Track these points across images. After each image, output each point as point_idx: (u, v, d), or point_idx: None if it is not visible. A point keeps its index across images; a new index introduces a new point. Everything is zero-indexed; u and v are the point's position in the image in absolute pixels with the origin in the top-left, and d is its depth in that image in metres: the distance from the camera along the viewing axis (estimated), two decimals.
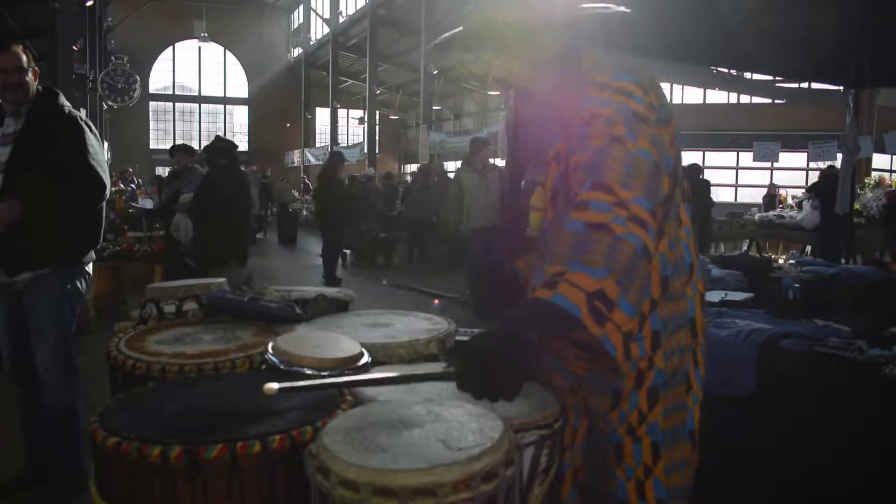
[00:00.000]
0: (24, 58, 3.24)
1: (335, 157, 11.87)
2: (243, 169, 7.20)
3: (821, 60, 5.39)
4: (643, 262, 1.35)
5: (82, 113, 3.59)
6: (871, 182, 12.68)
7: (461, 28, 1.87)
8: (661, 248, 1.63)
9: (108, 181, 3.37)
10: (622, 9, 1.74)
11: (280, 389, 1.28)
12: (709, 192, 11.36)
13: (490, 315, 2.09)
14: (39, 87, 3.36)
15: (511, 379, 1.24)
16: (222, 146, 6.93)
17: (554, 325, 1.29)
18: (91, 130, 3.37)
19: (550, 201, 1.74)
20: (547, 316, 1.27)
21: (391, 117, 33.71)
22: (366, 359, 1.96)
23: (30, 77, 3.26)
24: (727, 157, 23.02)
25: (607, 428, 1.70)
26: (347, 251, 13.09)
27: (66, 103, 3.40)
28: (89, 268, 3.50)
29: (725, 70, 7.10)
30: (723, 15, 4.41)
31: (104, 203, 3.46)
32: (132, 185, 18.49)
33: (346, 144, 30.24)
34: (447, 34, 1.96)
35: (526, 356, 1.24)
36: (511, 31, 1.71)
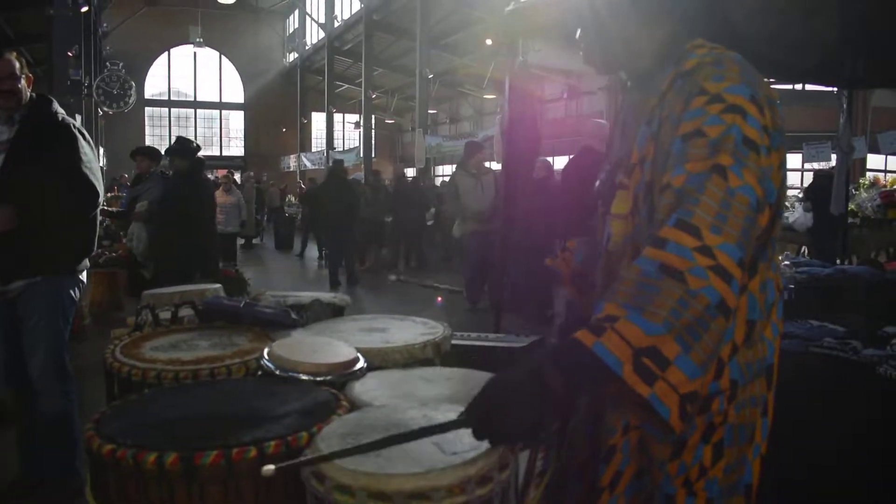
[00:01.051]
0: (17, 64, 3.24)
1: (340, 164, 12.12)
2: (212, 176, 6.78)
3: (815, 62, 5.40)
4: (718, 317, 1.19)
5: (77, 119, 3.61)
6: (866, 182, 12.72)
7: None
8: (751, 287, 1.46)
9: (101, 189, 3.36)
10: None
11: (277, 469, 1.23)
12: None
13: (523, 314, 2.01)
14: (33, 94, 3.36)
15: (517, 422, 1.18)
16: (181, 147, 6.38)
17: (589, 376, 1.19)
18: (84, 138, 3.37)
19: (631, 211, 1.53)
20: (582, 365, 1.17)
21: (387, 121, 33.74)
22: (361, 364, 1.96)
23: (23, 84, 3.26)
24: None
25: (661, 477, 1.52)
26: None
27: (60, 110, 3.40)
28: (83, 276, 3.50)
29: None
30: (717, 16, 4.42)
31: (97, 211, 3.45)
32: (126, 191, 18.44)
33: (342, 149, 30.29)
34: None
35: (547, 404, 1.18)
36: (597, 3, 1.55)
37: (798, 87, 11.44)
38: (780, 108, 1.41)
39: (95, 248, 3.59)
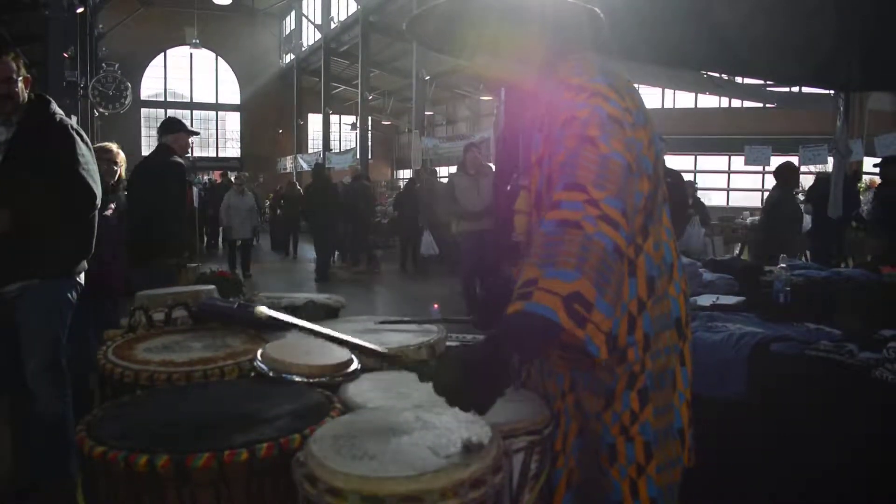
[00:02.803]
0: (14, 67, 3.22)
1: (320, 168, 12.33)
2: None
3: (812, 64, 5.41)
4: (616, 262, 1.35)
5: (73, 121, 3.58)
6: (863, 186, 12.75)
7: (439, 2, 1.79)
8: (646, 248, 1.66)
9: (97, 191, 3.34)
10: (594, 9, 1.72)
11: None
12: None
13: (489, 326, 2.08)
14: (32, 95, 3.35)
15: (485, 394, 1.29)
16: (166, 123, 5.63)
17: (535, 335, 1.31)
18: (83, 139, 3.35)
19: (535, 205, 1.74)
20: (527, 327, 1.29)
21: (384, 123, 33.72)
22: (355, 365, 1.95)
23: (20, 86, 3.24)
24: (719, 161, 23.11)
25: (600, 428, 1.70)
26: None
27: (58, 111, 3.38)
28: (81, 277, 3.47)
29: (717, 74, 7.12)
30: (715, 20, 4.42)
31: (95, 213, 3.43)
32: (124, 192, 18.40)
33: (338, 150, 30.24)
34: (424, 8, 1.89)
35: (504, 374, 1.30)
36: (491, 16, 1.70)
37: (795, 89, 11.45)
38: (636, 93, 1.65)
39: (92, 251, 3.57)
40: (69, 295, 3.38)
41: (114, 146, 4.87)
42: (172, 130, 5.47)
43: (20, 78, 3.24)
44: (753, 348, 2.94)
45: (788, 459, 2.72)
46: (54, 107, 3.38)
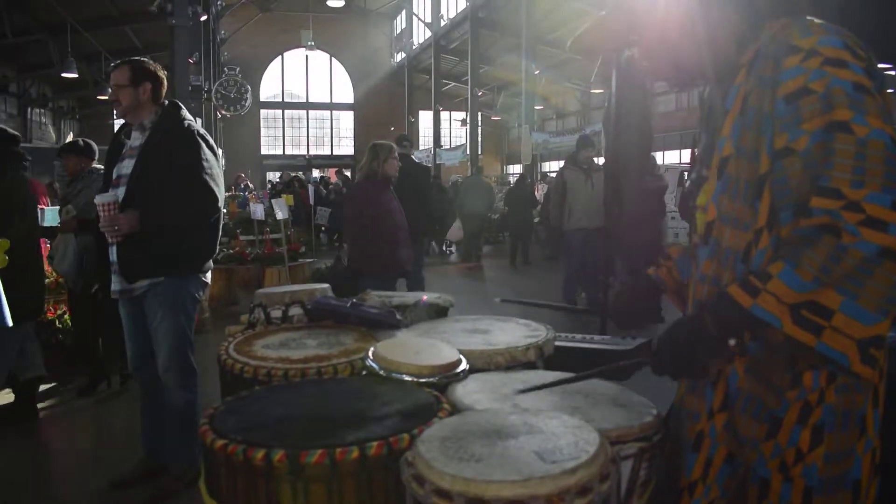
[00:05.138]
0: (128, 75, 3.42)
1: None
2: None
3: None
4: (884, 262, 1.20)
5: (199, 123, 3.76)
6: None
7: (602, 15, 1.75)
8: None
9: (221, 195, 3.48)
10: None
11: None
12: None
13: (631, 325, 2.02)
14: (165, 101, 3.53)
15: (694, 366, 1.40)
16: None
17: (752, 329, 1.33)
18: (208, 143, 3.50)
19: (717, 169, 1.50)
20: (744, 321, 1.30)
21: (493, 118, 33.75)
22: (464, 366, 1.97)
23: (135, 93, 3.41)
24: None
25: (755, 458, 1.45)
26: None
27: (188, 117, 3.54)
28: (207, 276, 3.64)
29: None
30: None
31: (219, 215, 3.57)
32: (244, 192, 19.22)
33: (448, 146, 30.51)
34: (589, 25, 1.86)
35: (710, 351, 1.37)
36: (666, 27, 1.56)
37: None
38: (869, 48, 1.38)
39: (217, 251, 3.74)
40: (194, 292, 3.55)
41: None
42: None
43: (133, 86, 3.41)
44: None
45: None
46: (185, 112, 3.54)
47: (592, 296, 8.43)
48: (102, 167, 3.89)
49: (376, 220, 5.17)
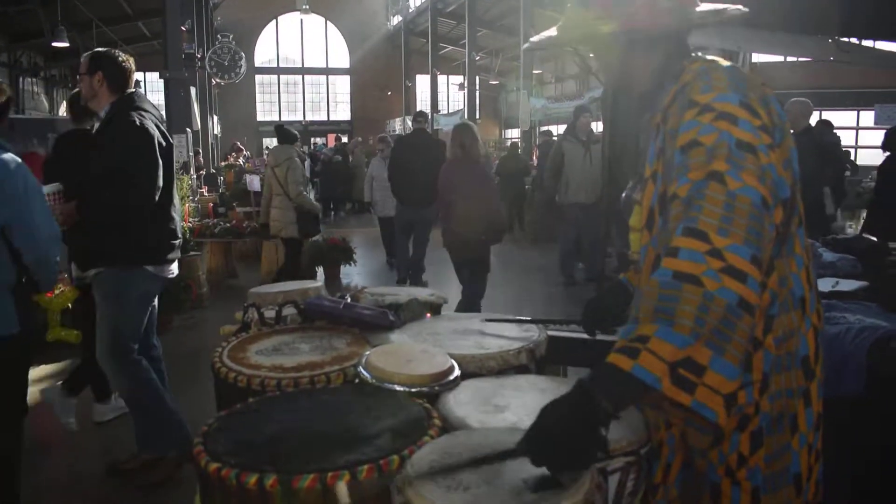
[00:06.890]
0: (87, 63, 3.47)
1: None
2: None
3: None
4: (743, 316, 1.22)
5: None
6: None
7: (554, 30, 1.81)
8: (770, 284, 1.52)
9: (150, 190, 3.39)
10: (740, 8, 1.61)
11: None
12: (840, 153, 10.26)
13: (601, 331, 2.11)
14: (123, 93, 3.51)
15: (583, 450, 1.25)
16: None
17: (634, 395, 1.25)
18: (148, 138, 3.39)
19: (646, 224, 1.66)
20: (626, 386, 1.21)
21: (491, 83, 33.46)
22: (456, 373, 1.98)
23: (90, 81, 3.46)
24: (847, 117, 21.45)
25: (704, 466, 1.61)
26: None
27: (136, 110, 3.45)
28: (165, 270, 3.62)
29: (846, 39, 6.60)
30: None
31: (151, 210, 3.48)
32: (245, 162, 19.11)
33: (446, 111, 30.31)
34: (538, 37, 1.92)
35: (600, 425, 1.23)
36: (608, 37, 1.64)
37: (868, 43, 10.11)
38: (773, 102, 1.50)
39: (179, 238, 3.70)
40: (133, 286, 3.51)
41: None
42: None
43: (88, 75, 3.45)
44: (872, 344, 2.78)
45: None
46: (137, 104, 3.48)
47: (591, 267, 8.46)
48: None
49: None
